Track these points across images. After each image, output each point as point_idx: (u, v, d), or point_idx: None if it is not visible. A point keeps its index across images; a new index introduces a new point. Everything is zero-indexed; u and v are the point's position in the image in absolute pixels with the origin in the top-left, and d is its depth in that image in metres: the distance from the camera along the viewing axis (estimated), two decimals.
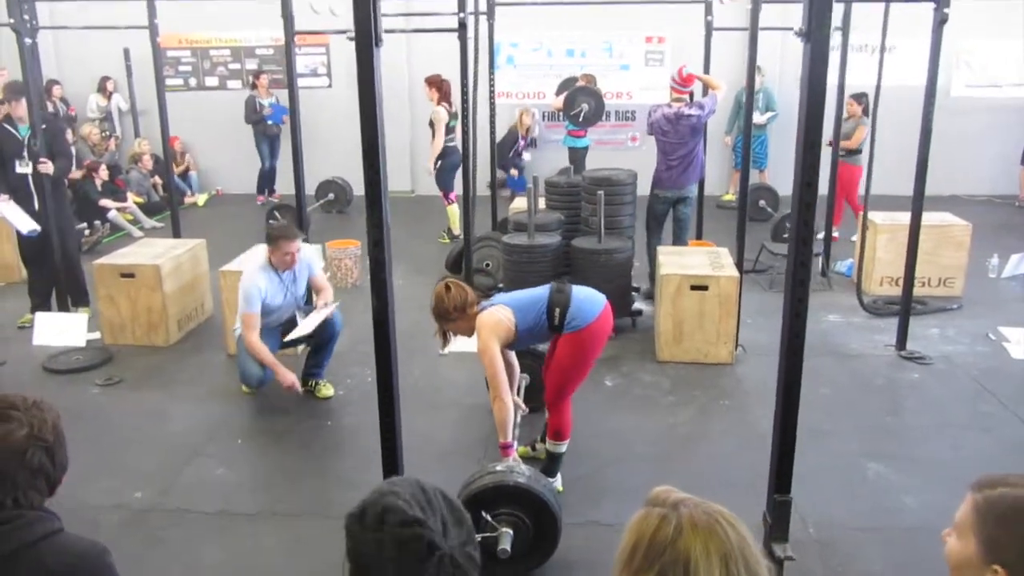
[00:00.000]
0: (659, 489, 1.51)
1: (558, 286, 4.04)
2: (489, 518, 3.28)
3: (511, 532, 3.34)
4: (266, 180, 11.54)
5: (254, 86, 11.16)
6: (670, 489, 1.50)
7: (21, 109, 6.07)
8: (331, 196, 10.60)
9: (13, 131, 6.16)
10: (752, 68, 5.77)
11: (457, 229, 9.06)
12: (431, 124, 8.86)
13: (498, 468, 3.52)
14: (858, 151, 8.38)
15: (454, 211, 9.09)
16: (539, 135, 11.60)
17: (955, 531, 1.58)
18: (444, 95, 8.82)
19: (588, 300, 4.01)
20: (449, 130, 8.93)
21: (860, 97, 8.49)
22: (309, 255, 5.39)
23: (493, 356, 3.85)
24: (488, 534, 3.26)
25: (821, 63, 2.57)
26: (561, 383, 4.05)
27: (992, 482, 1.55)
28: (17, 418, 1.82)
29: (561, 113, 8.74)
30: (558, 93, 9.49)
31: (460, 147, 8.37)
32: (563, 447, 4.13)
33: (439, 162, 8.96)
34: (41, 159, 5.87)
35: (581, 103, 7.85)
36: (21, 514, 1.80)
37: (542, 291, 4.02)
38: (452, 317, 4.05)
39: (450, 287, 4.06)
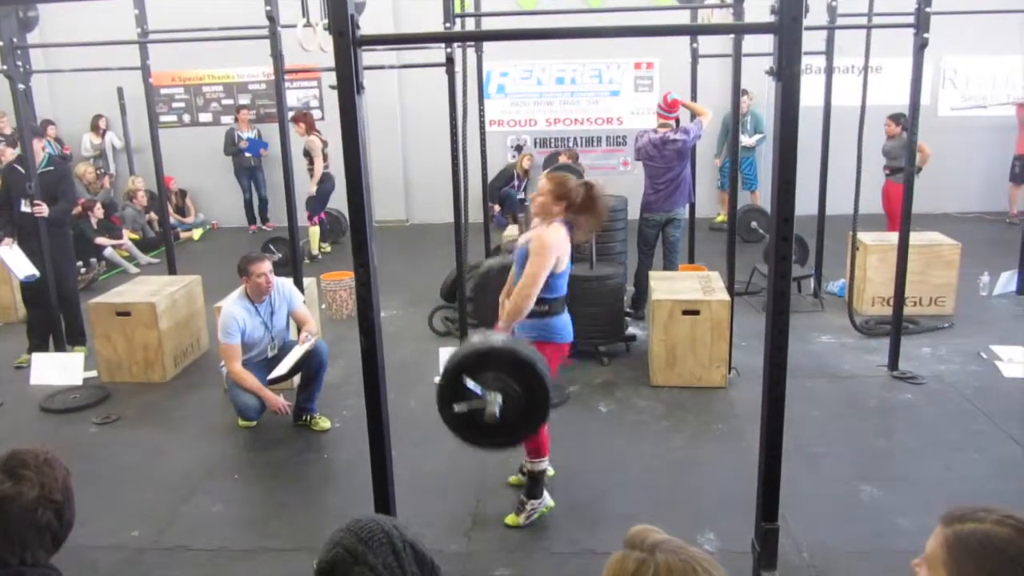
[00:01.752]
0: (638, 529, 1.53)
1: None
2: (473, 387, 3.21)
3: (500, 396, 3.26)
4: (252, 210, 11.91)
5: (236, 119, 11.53)
6: (649, 529, 1.52)
7: (35, 149, 6.11)
8: (327, 227, 10.66)
9: (23, 171, 6.18)
10: (736, 94, 5.84)
11: (316, 250, 9.96)
12: (306, 154, 9.61)
13: (475, 338, 3.48)
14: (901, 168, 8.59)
15: (315, 232, 9.92)
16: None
17: (925, 563, 1.61)
18: (310, 126, 9.71)
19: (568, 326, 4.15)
20: (324, 157, 9.71)
21: (898, 117, 8.51)
22: (288, 288, 5.46)
23: (540, 271, 3.87)
24: (475, 405, 3.22)
25: (793, 101, 2.62)
26: None
27: (962, 516, 1.57)
28: (28, 477, 1.82)
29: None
30: (545, 168, 9.67)
31: (333, 175, 9.76)
32: (542, 464, 4.13)
33: (317, 188, 9.75)
34: (36, 202, 5.93)
35: None
36: (22, 572, 1.81)
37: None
38: (562, 201, 3.94)
39: (593, 190, 3.98)
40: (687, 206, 7.29)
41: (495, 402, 3.23)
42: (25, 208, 6.18)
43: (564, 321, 4.13)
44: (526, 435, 3.55)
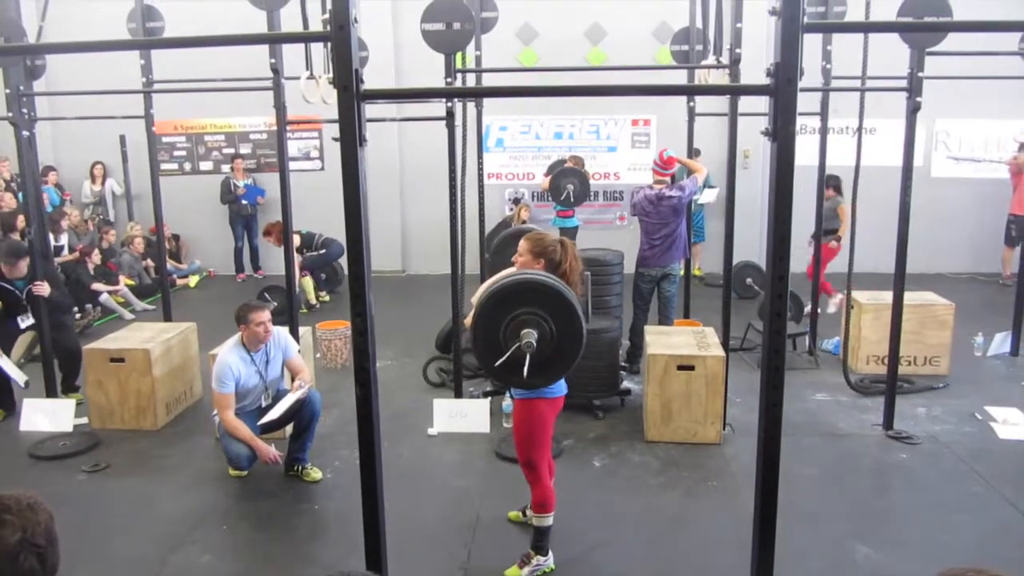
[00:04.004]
0: None
1: None
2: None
3: (535, 332, 3.32)
4: (241, 258, 11.96)
5: (232, 168, 11.71)
6: None
7: (18, 271, 6.23)
8: (323, 276, 10.68)
9: (9, 287, 6.27)
10: (732, 153, 5.90)
11: (313, 299, 9.99)
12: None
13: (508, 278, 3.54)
14: (833, 230, 8.88)
15: (307, 282, 9.91)
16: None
17: None
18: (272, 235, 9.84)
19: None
20: (310, 237, 10.17)
21: (829, 180, 8.68)
22: (284, 338, 5.45)
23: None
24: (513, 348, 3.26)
25: (788, 161, 2.67)
26: (522, 451, 4.07)
27: None
28: (10, 522, 1.79)
29: (548, 194, 9.01)
30: (547, 174, 9.71)
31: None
32: (547, 520, 4.09)
33: (323, 251, 10.16)
34: (36, 282, 6.03)
35: (566, 185, 8.06)
36: None
37: None
38: (541, 258, 4.02)
39: (568, 246, 4.08)
40: (682, 261, 7.35)
41: (531, 335, 3.29)
42: (25, 323, 6.39)
43: None
44: (561, 370, 3.54)
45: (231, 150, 12.17)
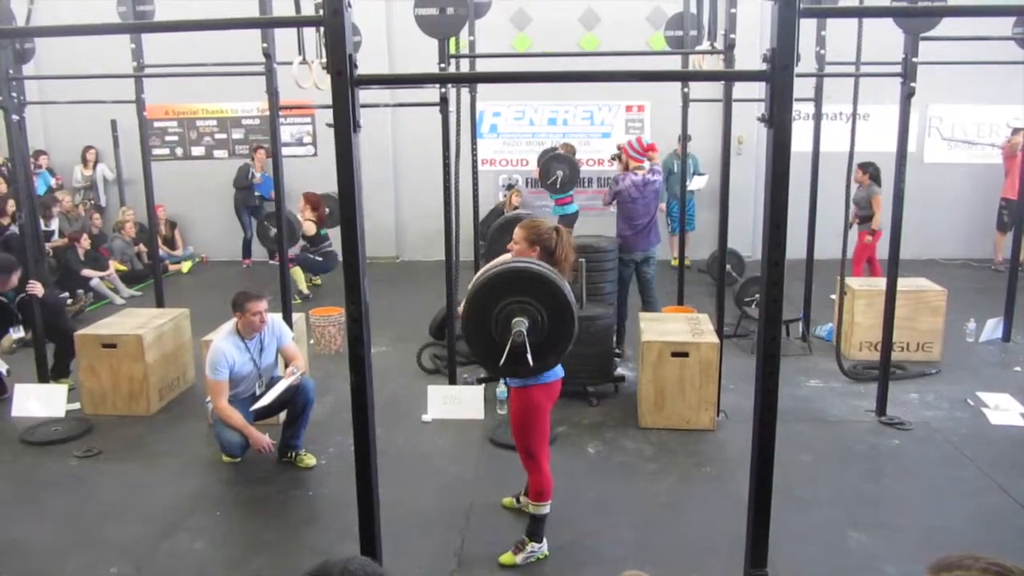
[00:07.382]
0: (630, 573, 1.53)
1: None
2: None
3: (525, 320, 3.34)
4: (249, 247, 11.79)
5: (253, 159, 11.60)
6: (639, 575, 1.52)
7: (9, 284, 6.24)
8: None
9: (2, 299, 6.30)
10: (727, 139, 5.88)
11: (304, 287, 9.83)
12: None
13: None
14: (869, 217, 8.85)
15: (297, 271, 9.66)
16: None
17: None
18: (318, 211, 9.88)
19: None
20: (322, 239, 9.93)
21: (867, 166, 8.74)
22: (279, 325, 5.43)
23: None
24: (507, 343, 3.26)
25: (784, 147, 2.66)
26: (520, 440, 4.08)
27: (949, 564, 1.57)
28: None
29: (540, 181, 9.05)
30: (539, 163, 9.72)
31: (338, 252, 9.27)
32: (545, 508, 4.10)
33: (320, 259, 9.93)
34: (31, 280, 6.08)
35: (555, 170, 8.10)
36: None
37: None
38: (536, 246, 4.00)
39: (563, 234, 4.06)
40: (659, 244, 7.45)
41: (521, 323, 3.30)
42: (17, 335, 6.60)
43: None
44: (556, 357, 3.56)
45: (223, 135, 12.09)
